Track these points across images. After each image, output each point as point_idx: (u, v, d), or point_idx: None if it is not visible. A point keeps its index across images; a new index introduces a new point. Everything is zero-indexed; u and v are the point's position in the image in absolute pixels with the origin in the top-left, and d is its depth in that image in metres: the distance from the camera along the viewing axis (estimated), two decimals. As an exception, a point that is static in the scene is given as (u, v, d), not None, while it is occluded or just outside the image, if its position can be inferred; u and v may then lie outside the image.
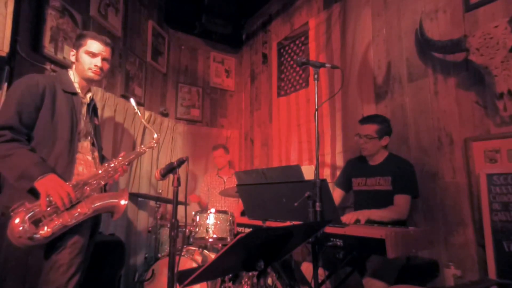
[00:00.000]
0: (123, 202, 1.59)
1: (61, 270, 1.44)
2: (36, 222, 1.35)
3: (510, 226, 1.80)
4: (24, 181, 1.38)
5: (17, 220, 1.31)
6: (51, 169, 1.46)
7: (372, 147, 2.14)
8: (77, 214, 1.44)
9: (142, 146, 1.80)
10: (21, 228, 1.30)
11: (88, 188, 1.53)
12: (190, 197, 3.49)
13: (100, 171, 1.60)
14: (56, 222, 1.39)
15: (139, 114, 1.85)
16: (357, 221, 1.81)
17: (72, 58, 1.72)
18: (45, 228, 1.36)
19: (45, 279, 1.42)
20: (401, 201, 1.99)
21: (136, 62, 3.40)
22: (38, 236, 1.34)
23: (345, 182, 2.35)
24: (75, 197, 1.45)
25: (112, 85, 3.06)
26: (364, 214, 1.85)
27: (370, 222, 1.87)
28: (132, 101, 1.85)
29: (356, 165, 2.32)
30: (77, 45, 1.70)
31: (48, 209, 1.38)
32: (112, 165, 1.65)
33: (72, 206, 1.44)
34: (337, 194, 2.35)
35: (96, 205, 1.51)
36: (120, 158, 1.70)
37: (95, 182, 1.56)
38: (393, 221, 1.91)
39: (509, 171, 1.85)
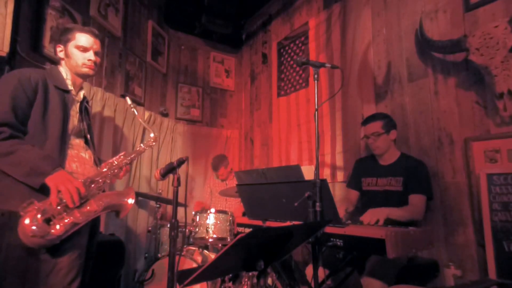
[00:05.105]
0: (130, 201, 1.57)
1: (61, 273, 1.40)
2: (47, 221, 1.30)
3: (510, 226, 1.80)
4: (34, 177, 1.33)
5: (27, 220, 1.25)
6: (59, 164, 1.42)
7: (383, 143, 2.12)
8: (87, 211, 1.40)
9: (141, 145, 1.76)
10: (34, 227, 1.25)
11: (94, 186, 1.49)
12: (194, 206, 3.46)
13: (105, 169, 1.57)
14: (67, 220, 1.33)
15: (136, 112, 1.80)
16: (377, 222, 1.76)
17: (61, 54, 1.63)
18: (57, 226, 1.31)
19: (44, 282, 1.37)
20: (417, 201, 1.96)
21: (136, 62, 3.40)
22: (51, 234, 1.29)
23: (357, 183, 2.30)
24: (84, 194, 1.40)
25: (112, 85, 3.06)
26: (383, 212, 1.80)
27: (388, 222, 1.81)
28: (128, 99, 1.81)
29: (367, 165, 2.28)
30: (64, 40, 1.61)
31: (59, 207, 1.33)
32: (116, 163, 1.62)
33: (81, 204, 1.39)
34: (352, 196, 2.32)
35: (105, 202, 1.48)
36: (122, 157, 1.67)
37: (101, 180, 1.53)
38: (409, 221, 1.87)
39: (509, 171, 1.84)
